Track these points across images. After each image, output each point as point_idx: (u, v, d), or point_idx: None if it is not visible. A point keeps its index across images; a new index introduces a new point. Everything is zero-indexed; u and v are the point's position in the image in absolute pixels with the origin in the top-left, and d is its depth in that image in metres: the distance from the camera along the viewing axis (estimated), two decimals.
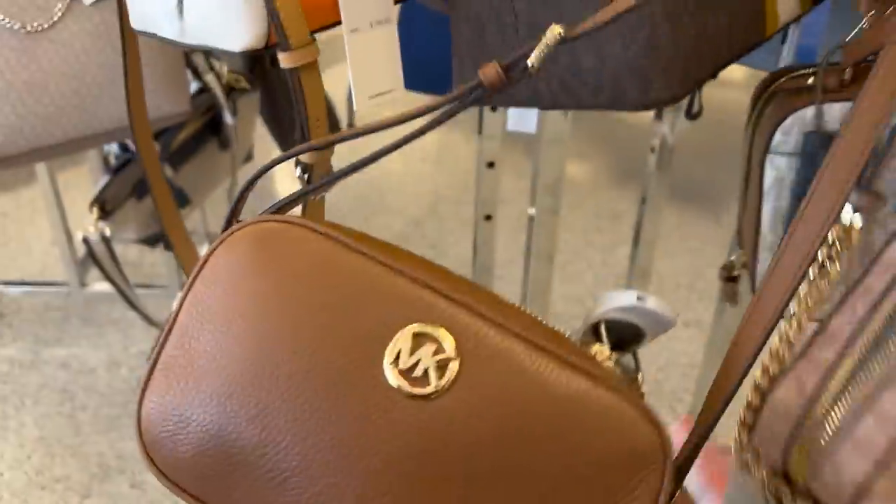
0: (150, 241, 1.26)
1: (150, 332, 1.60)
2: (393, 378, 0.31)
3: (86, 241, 1.00)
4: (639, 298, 0.37)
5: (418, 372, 0.31)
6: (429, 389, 0.31)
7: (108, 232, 1.01)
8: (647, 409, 0.31)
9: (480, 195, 0.98)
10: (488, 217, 1.00)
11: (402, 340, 0.31)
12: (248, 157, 1.45)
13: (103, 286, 1.57)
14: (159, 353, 0.34)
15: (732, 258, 0.63)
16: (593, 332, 0.37)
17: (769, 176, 0.54)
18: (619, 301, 0.36)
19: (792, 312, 0.38)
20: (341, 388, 0.31)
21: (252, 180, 0.38)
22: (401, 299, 0.32)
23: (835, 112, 0.51)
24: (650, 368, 1.71)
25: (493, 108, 0.94)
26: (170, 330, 0.34)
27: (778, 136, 0.52)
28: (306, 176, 0.46)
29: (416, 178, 2.39)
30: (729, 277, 0.62)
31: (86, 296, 1.63)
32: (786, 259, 0.30)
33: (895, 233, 0.37)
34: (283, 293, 0.32)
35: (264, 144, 1.89)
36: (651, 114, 1.10)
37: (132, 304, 1.11)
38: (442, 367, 0.31)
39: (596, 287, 1.95)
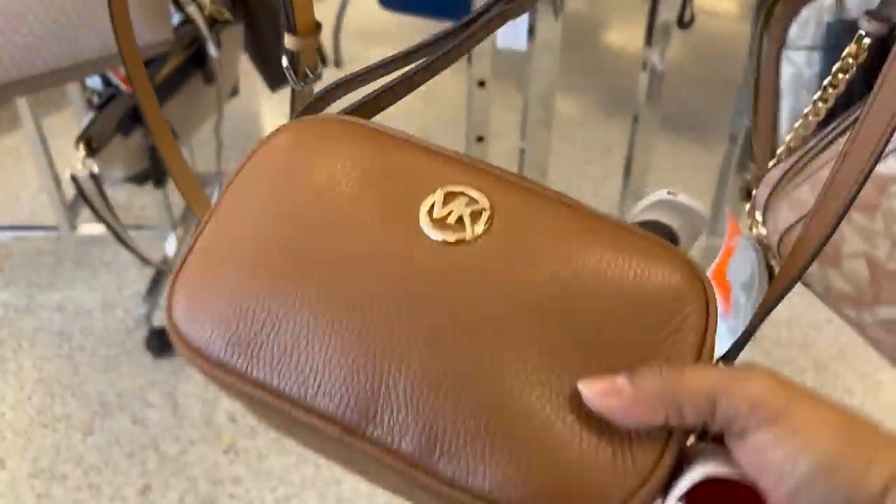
0: (139, 178, 1.25)
1: (143, 273, 1.60)
2: (429, 229, 0.32)
3: (74, 178, 0.99)
4: (669, 193, 0.38)
5: (452, 220, 0.32)
6: (465, 235, 0.32)
7: (95, 169, 0.99)
8: (682, 252, 0.32)
9: (472, 117, 0.97)
10: (480, 139, 0.99)
11: (435, 198, 0.32)
12: (234, 92, 1.42)
13: (94, 228, 1.56)
14: (196, 240, 0.35)
15: (747, 176, 0.62)
16: None
17: (786, 72, 0.51)
18: (650, 198, 0.37)
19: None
20: (380, 247, 0.32)
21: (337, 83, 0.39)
22: (433, 169, 0.33)
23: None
24: None
25: None
26: (208, 219, 0.35)
27: (794, 30, 0.49)
28: (292, 66, 0.45)
29: (406, 113, 2.37)
30: (748, 194, 0.62)
31: (77, 239, 1.62)
32: (870, 122, 0.31)
33: None
34: (321, 182, 0.33)
35: (251, 81, 1.86)
36: (641, 43, 1.08)
37: (124, 243, 1.10)
38: (476, 215, 0.32)
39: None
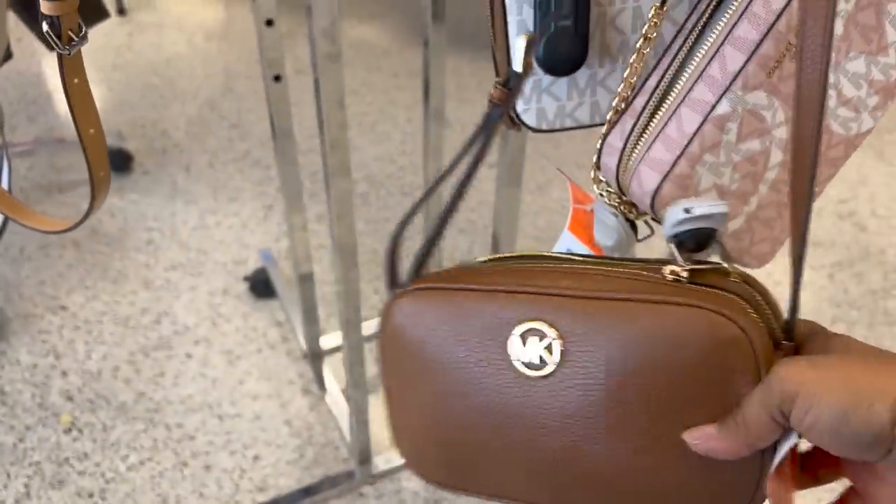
0: None
1: None
2: (525, 370, 0.41)
3: None
4: (686, 210, 0.40)
5: (536, 359, 0.40)
6: (550, 367, 0.40)
7: None
8: (719, 306, 0.37)
9: (265, 56, 0.95)
10: (277, 78, 0.98)
11: (516, 343, 0.41)
12: (7, 56, 1.30)
13: None
14: (391, 415, 0.48)
15: (491, 91, 0.65)
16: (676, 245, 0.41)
17: None
18: (671, 220, 0.40)
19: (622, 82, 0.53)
20: (504, 397, 0.42)
21: (395, 236, 0.50)
22: (504, 314, 0.41)
23: None
24: (463, 208, 1.77)
25: None
26: (389, 396, 0.48)
27: None
28: (54, 31, 0.43)
29: (204, 59, 2.27)
30: (493, 103, 0.65)
31: None
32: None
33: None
34: (440, 356, 0.44)
35: (28, 42, 1.71)
36: None
37: None
38: (550, 348, 0.40)
39: (403, 144, 1.97)
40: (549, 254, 0.46)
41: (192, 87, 2.11)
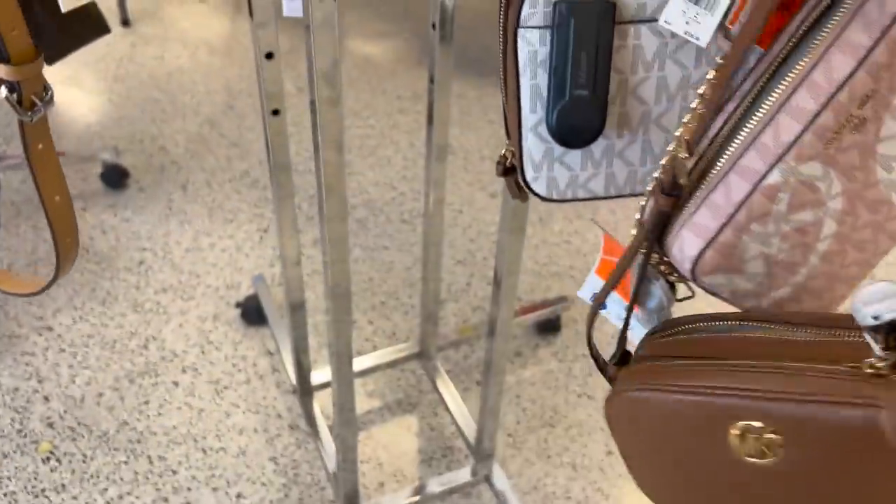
0: None
1: None
2: (747, 459, 0.45)
3: None
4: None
5: (756, 453, 0.45)
6: (769, 459, 0.44)
7: None
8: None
9: (264, 89, 0.92)
10: (276, 112, 0.94)
11: (735, 439, 0.45)
12: None
13: None
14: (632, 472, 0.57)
15: (503, 151, 0.62)
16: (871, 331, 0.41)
17: (522, 51, 0.53)
18: (871, 306, 0.40)
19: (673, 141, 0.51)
20: (736, 478, 0.47)
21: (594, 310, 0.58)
22: (718, 413, 0.46)
23: None
24: (462, 239, 1.74)
25: None
26: (629, 464, 0.56)
27: (526, 9, 0.51)
28: (15, 96, 0.39)
29: (206, 74, 2.24)
30: (505, 170, 0.62)
31: None
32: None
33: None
34: (670, 447, 0.51)
35: None
36: None
37: None
38: (768, 442, 0.44)
39: (405, 169, 1.94)
40: (721, 316, 0.49)
41: (192, 103, 2.07)
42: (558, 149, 0.58)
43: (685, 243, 0.49)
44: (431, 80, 1.03)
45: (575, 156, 0.58)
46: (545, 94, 0.55)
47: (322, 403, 1.35)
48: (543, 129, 0.57)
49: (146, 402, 1.35)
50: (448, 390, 1.38)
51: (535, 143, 0.58)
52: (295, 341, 1.29)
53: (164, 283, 1.57)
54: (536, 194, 0.60)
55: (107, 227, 1.68)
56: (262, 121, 0.99)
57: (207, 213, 1.74)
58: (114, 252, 1.63)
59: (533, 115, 0.56)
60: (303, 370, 1.33)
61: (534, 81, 0.55)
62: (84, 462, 1.26)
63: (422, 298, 1.34)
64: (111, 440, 1.29)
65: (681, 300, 0.56)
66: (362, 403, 1.38)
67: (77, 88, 2.11)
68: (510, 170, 0.64)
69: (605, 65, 0.52)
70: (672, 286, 0.56)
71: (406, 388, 1.42)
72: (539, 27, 0.52)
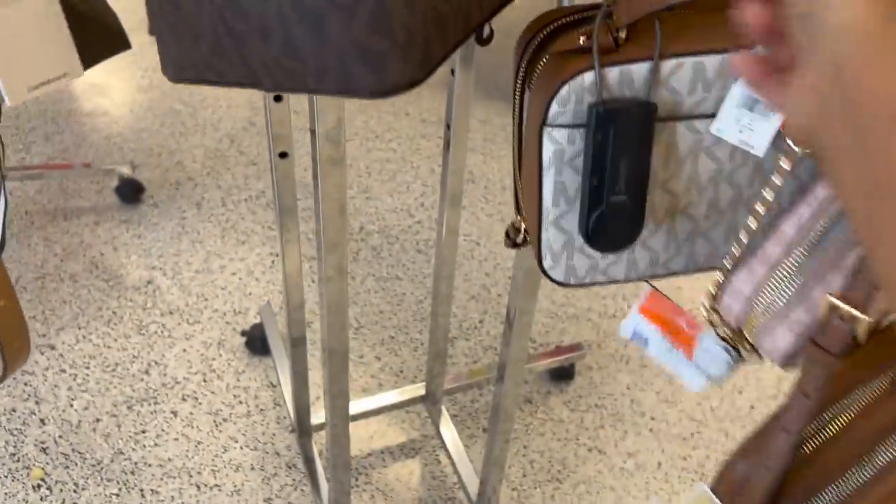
0: None
1: None
2: None
3: None
4: None
5: None
6: None
7: None
8: None
9: (272, 131, 0.88)
10: (283, 154, 0.90)
11: None
12: None
13: None
14: None
15: (513, 223, 0.57)
16: None
17: (548, 149, 0.50)
18: None
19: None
20: None
21: None
22: None
23: (613, 77, 0.45)
24: (478, 273, 1.68)
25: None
26: None
27: (555, 108, 0.47)
28: None
29: (228, 89, 2.18)
30: (514, 244, 0.58)
31: None
32: None
33: None
34: None
35: None
36: None
37: None
38: None
39: (423, 196, 1.90)
40: None
41: (213, 118, 2.05)
42: (579, 239, 0.56)
43: (778, 336, 0.48)
44: (449, 102, 0.98)
45: (590, 252, 0.54)
46: (571, 192, 0.52)
47: (321, 445, 1.31)
48: (565, 222, 0.55)
49: (143, 431, 1.32)
50: (452, 437, 1.33)
51: (556, 235, 0.55)
52: (295, 381, 1.25)
53: (171, 305, 1.54)
54: (554, 281, 0.59)
55: (118, 244, 1.66)
56: (270, 163, 0.95)
57: (220, 234, 1.71)
58: (123, 270, 1.60)
59: (555, 208, 0.54)
60: (302, 410, 1.29)
61: (559, 178, 0.52)
62: (75, 492, 1.23)
63: (431, 335, 1.29)
64: (105, 470, 1.26)
65: (746, 364, 0.56)
66: (362, 445, 1.34)
67: (102, 97, 2.10)
68: (518, 244, 0.61)
69: (645, 169, 0.50)
70: (739, 353, 0.55)
71: (409, 431, 1.37)
72: (568, 126, 0.49)
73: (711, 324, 0.54)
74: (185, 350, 1.46)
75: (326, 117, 0.65)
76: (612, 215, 0.50)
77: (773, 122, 0.44)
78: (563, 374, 1.46)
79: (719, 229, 0.55)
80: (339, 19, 0.32)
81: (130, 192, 1.76)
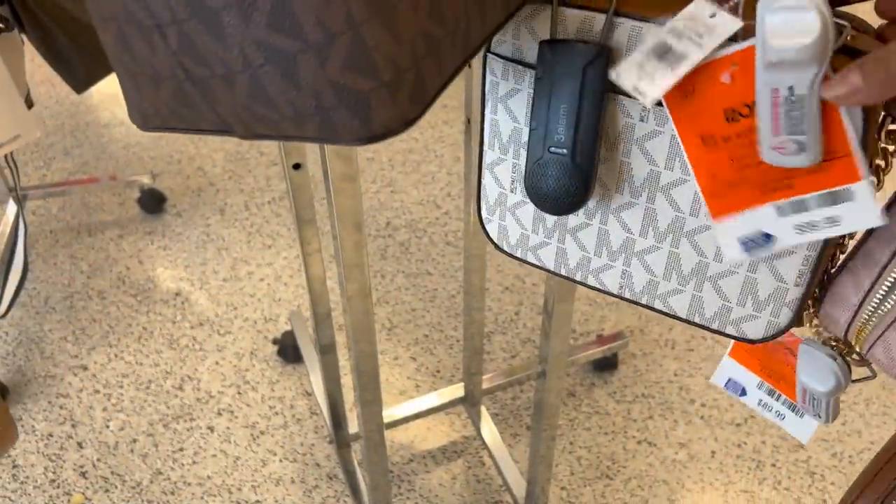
0: None
1: None
2: None
3: None
4: None
5: None
6: None
7: None
8: None
9: (283, 144, 0.83)
10: (297, 166, 0.86)
11: None
12: (29, 104, 1.23)
13: None
14: None
15: None
16: None
17: (487, 79, 0.49)
18: None
19: None
20: None
21: None
22: None
23: (573, 17, 0.43)
24: (510, 263, 1.61)
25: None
26: None
27: (498, 35, 0.46)
28: None
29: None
30: None
31: None
32: None
33: None
34: None
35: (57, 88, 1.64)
36: None
37: None
38: None
39: (449, 186, 1.85)
40: None
41: (215, 143, 2.01)
42: (512, 197, 0.51)
43: (892, 346, 0.45)
44: (468, 90, 0.93)
45: (527, 212, 0.51)
46: (504, 136, 0.49)
47: (360, 454, 1.28)
48: (499, 171, 0.51)
49: (181, 450, 1.31)
50: (494, 437, 1.29)
51: (491, 184, 0.52)
52: (328, 389, 1.22)
53: (201, 317, 1.52)
54: (489, 236, 0.55)
55: (143, 257, 1.64)
56: (284, 175, 0.91)
57: (246, 239, 1.68)
58: (150, 283, 1.59)
59: (491, 151, 0.51)
60: (338, 419, 1.26)
61: (493, 116, 0.48)
62: None
63: (465, 331, 1.25)
64: (144, 491, 1.25)
65: (857, 381, 0.52)
66: (402, 451, 1.31)
67: (118, 106, 2.08)
68: None
69: (590, 126, 0.43)
70: (848, 366, 0.51)
71: (450, 433, 1.33)
72: (504, 58, 0.46)
73: (814, 335, 0.50)
74: (217, 362, 1.44)
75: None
76: (552, 168, 0.45)
77: (676, 75, 0.38)
78: (606, 364, 1.41)
79: (658, 256, 0.48)
80: (311, 58, 0.27)
81: (153, 202, 1.74)
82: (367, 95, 0.28)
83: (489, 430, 1.31)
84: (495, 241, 0.54)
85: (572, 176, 0.44)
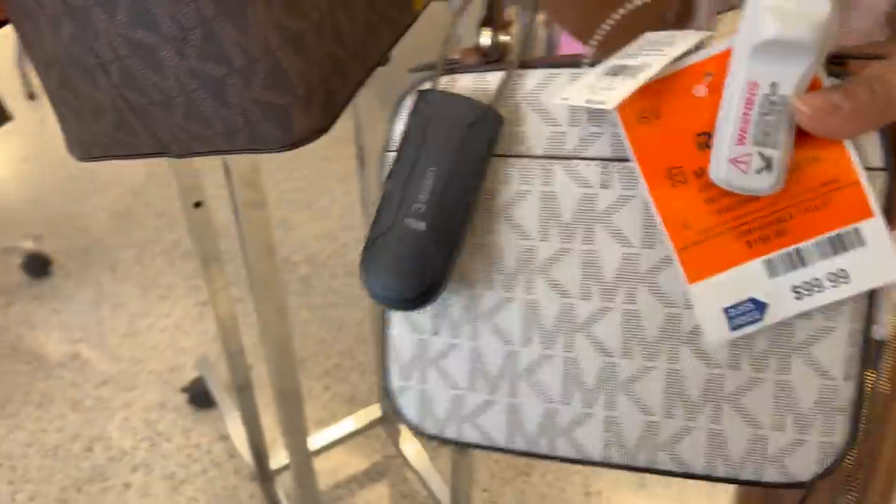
0: None
1: None
2: None
3: None
4: None
5: None
6: None
7: None
8: None
9: (181, 182, 0.87)
10: (198, 204, 0.90)
11: None
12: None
13: None
14: None
15: None
16: None
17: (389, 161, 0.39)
18: None
19: None
20: None
21: None
22: None
23: (465, 83, 0.37)
24: None
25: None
26: None
27: (398, 119, 0.37)
28: None
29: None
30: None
31: None
32: None
33: None
34: None
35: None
36: None
37: None
38: None
39: (344, 218, 1.90)
40: None
41: (112, 173, 2.00)
42: (436, 342, 0.38)
43: None
44: (357, 120, 0.99)
45: (460, 358, 0.38)
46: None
47: (286, 488, 1.30)
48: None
49: None
50: (416, 452, 1.35)
51: (402, 333, 0.39)
52: (248, 426, 1.24)
53: (104, 375, 1.50)
54: (404, 419, 0.40)
55: (35, 322, 1.61)
56: (184, 215, 0.95)
57: (141, 293, 1.68)
58: (45, 348, 1.55)
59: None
60: (260, 456, 1.28)
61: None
62: None
63: (376, 356, 1.30)
64: None
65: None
66: (327, 479, 1.34)
67: None
68: None
69: (461, 202, 0.35)
70: None
71: (372, 455, 1.38)
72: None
73: None
74: (126, 419, 1.43)
75: (239, 162, 0.66)
76: (402, 243, 0.34)
77: (638, 81, 0.32)
78: None
79: (653, 381, 0.36)
80: (238, 81, 0.33)
81: (37, 266, 1.70)
82: (287, 109, 0.34)
83: (410, 447, 1.36)
84: (415, 422, 0.39)
85: (428, 259, 0.34)
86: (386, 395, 0.39)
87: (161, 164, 2.02)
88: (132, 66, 0.33)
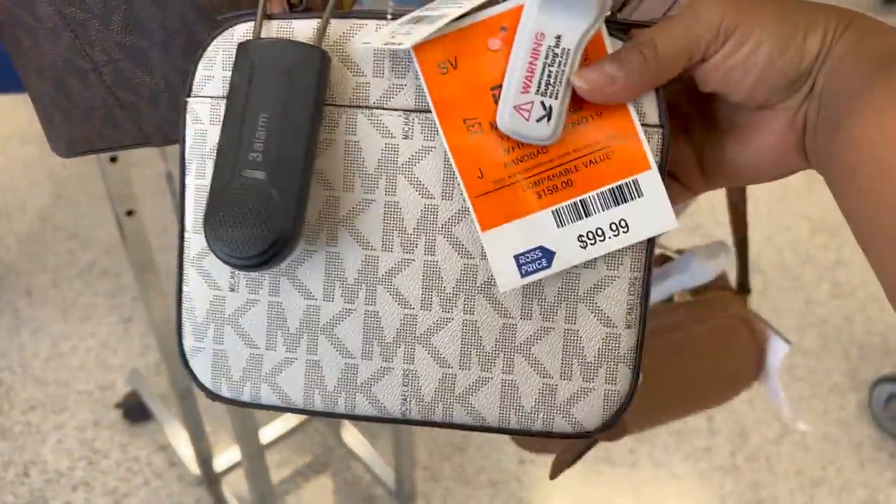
0: None
1: None
2: None
3: None
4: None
5: None
6: None
7: None
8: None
9: (113, 192, 0.91)
10: (130, 213, 0.93)
11: None
12: None
13: None
14: None
15: None
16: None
17: (189, 131, 0.38)
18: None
19: None
20: None
21: None
22: None
23: (282, 27, 0.36)
24: None
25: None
26: None
27: (200, 71, 0.36)
28: None
29: (25, 167, 2.12)
30: None
31: None
32: None
33: None
34: None
35: None
36: None
37: None
38: None
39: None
40: None
41: (17, 201, 1.96)
42: (233, 299, 0.37)
43: None
44: None
45: (258, 315, 0.37)
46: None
47: (233, 487, 1.34)
48: (212, 261, 0.37)
49: None
50: (356, 439, 1.40)
51: (198, 288, 0.37)
52: (191, 431, 1.27)
53: (31, 401, 1.49)
54: (197, 381, 0.38)
55: None
56: (116, 223, 0.98)
57: (61, 316, 1.66)
58: None
59: (198, 235, 0.37)
60: (205, 459, 1.31)
61: (201, 181, 0.36)
62: None
63: None
64: None
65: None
66: (273, 475, 1.38)
67: None
68: None
69: (299, 144, 0.33)
70: None
71: (313, 448, 1.42)
72: (215, 98, 0.36)
73: None
74: (60, 441, 1.42)
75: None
76: (244, 198, 0.33)
77: (435, 25, 0.33)
78: None
79: (451, 332, 0.37)
80: None
81: None
82: None
83: (349, 434, 1.42)
84: (209, 386, 0.38)
85: (275, 210, 0.33)
86: (180, 359, 0.38)
87: (67, 186, 1.99)
88: (124, 68, 0.39)
